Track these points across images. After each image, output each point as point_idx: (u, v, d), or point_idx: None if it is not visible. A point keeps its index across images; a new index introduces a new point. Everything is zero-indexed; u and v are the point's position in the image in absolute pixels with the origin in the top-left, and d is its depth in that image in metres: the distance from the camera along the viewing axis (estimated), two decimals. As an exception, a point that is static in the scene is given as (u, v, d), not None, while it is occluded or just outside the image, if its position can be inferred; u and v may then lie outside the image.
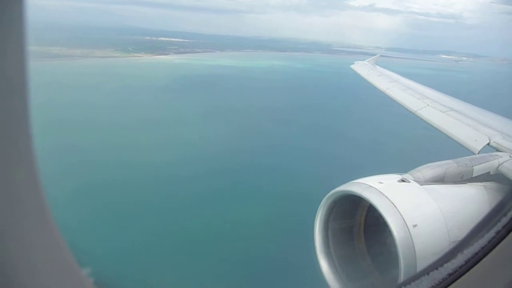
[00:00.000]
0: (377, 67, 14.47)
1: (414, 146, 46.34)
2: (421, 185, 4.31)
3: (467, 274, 1.88)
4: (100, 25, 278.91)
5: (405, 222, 3.74)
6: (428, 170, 4.59)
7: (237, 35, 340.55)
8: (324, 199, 4.34)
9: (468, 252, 1.90)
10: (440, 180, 4.60)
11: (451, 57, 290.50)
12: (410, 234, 3.71)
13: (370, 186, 4.02)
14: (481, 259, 1.86)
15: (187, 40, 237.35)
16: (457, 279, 1.89)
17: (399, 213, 3.78)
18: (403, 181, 4.31)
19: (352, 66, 15.03)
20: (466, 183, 4.77)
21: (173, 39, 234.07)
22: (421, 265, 3.57)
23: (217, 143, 55.28)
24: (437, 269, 1.96)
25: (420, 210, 4.01)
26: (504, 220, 1.88)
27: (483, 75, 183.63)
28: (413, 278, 2.02)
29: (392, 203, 3.84)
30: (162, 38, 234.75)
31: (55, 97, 73.05)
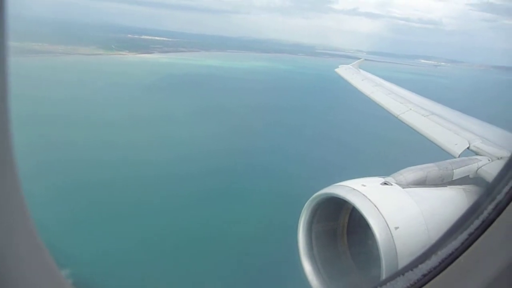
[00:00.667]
0: (361, 71, 14.77)
1: (396, 150, 47.09)
2: (403, 188, 4.40)
3: (441, 274, 1.95)
4: (83, 21, 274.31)
5: (387, 224, 3.81)
6: (410, 173, 4.68)
7: (222, 35, 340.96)
8: (307, 202, 4.39)
9: (443, 253, 1.98)
10: (422, 183, 4.71)
11: (430, 62, 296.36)
12: (392, 236, 3.78)
13: (354, 189, 4.10)
14: (455, 259, 1.94)
15: (171, 39, 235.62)
16: (431, 279, 1.97)
17: (382, 215, 3.85)
18: (385, 184, 4.39)
19: (336, 70, 15.30)
20: (446, 186, 4.89)
21: (157, 38, 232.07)
22: (402, 266, 3.36)
23: (205, 143, 55.71)
24: (412, 270, 2.02)
25: (402, 212, 4.09)
26: (477, 223, 1.95)
27: (462, 80, 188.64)
28: (389, 279, 2.10)
29: (375, 206, 3.91)
30: (145, 37, 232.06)
31: (41, 94, 72.56)
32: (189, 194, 39.98)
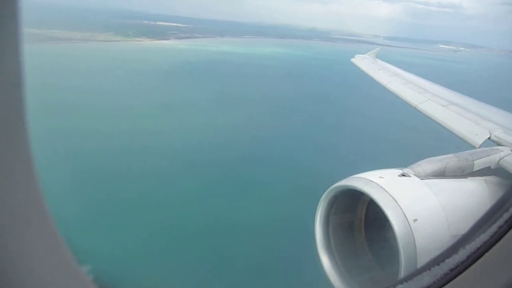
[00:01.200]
0: (378, 60, 14.59)
1: (415, 140, 46.71)
2: (421, 179, 4.33)
3: (469, 269, 1.90)
4: (97, 7, 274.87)
5: (406, 217, 3.76)
6: (429, 164, 4.61)
7: (236, 21, 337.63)
8: (324, 194, 4.35)
9: (470, 247, 1.93)
10: (441, 174, 4.62)
11: (449, 47, 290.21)
12: (411, 229, 3.73)
13: (371, 181, 4.05)
14: (483, 254, 1.89)
15: (186, 25, 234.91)
16: (458, 274, 1.92)
17: (400, 207, 3.80)
18: (403, 175, 4.32)
19: (352, 60, 15.11)
20: (466, 178, 4.78)
21: (171, 24, 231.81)
22: (421, 259, 3.66)
23: (226, 130, 55.66)
24: (438, 264, 1.99)
25: (421, 204, 4.02)
26: (506, 215, 1.90)
27: (482, 66, 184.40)
28: (415, 273, 2.08)
29: (393, 198, 3.86)
30: (160, 23, 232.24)
31: (65, 83, 73.41)
32: (209, 183, 39.88)
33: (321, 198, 4.36)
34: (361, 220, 4.62)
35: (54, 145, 45.65)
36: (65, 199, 33.56)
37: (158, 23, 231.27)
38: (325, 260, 4.46)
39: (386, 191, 3.91)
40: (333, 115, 70.50)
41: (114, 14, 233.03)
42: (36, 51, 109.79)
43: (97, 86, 75.64)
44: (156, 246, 30.61)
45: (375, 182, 4.01)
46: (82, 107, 61.75)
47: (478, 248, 1.89)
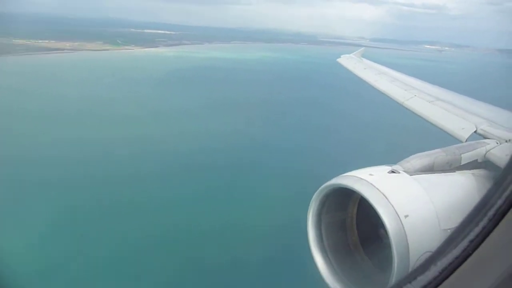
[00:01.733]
0: (364, 59, 14.61)
1: (402, 137, 47.48)
2: (411, 175, 4.39)
3: (461, 267, 1.94)
4: (84, 17, 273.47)
5: (397, 213, 3.81)
6: (417, 160, 4.67)
7: (223, 27, 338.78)
8: (316, 193, 4.37)
9: (457, 250, 1.96)
10: (429, 169, 4.70)
11: (434, 47, 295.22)
12: (402, 225, 3.78)
13: (361, 179, 4.10)
14: (473, 251, 1.92)
15: (174, 32, 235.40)
16: (449, 275, 1.95)
17: (391, 204, 3.85)
18: (393, 172, 4.38)
19: (338, 60, 15.16)
20: (454, 171, 4.86)
21: (159, 31, 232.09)
22: (413, 254, 3.73)
23: (220, 136, 56.05)
24: (428, 268, 2.00)
25: (411, 200, 4.06)
26: (490, 214, 1.93)
27: (468, 65, 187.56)
28: (408, 277, 2.10)
29: (383, 195, 3.90)
30: (148, 30, 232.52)
31: (61, 92, 73.32)
32: (204, 188, 40.36)
33: (313, 198, 4.36)
34: (353, 218, 4.64)
35: (51, 152, 45.97)
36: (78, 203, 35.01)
37: (145, 30, 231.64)
38: (318, 259, 4.48)
39: (377, 188, 3.94)
40: (326, 116, 71.34)
41: (101, 23, 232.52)
42: (27, 62, 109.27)
43: (92, 95, 75.96)
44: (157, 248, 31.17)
45: (365, 180, 4.05)
46: (78, 115, 62.14)
47: (467, 246, 1.92)
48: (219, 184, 41.32)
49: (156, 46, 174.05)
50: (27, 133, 52.62)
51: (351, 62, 14.37)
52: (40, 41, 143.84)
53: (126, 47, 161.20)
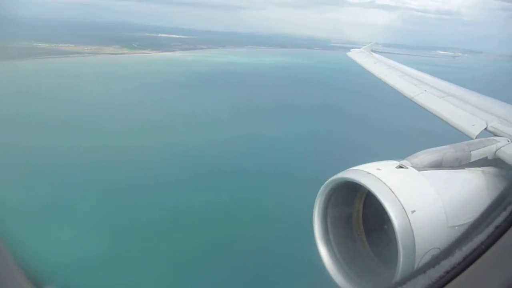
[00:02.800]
0: (374, 54, 14.52)
1: (411, 132, 47.62)
2: (419, 171, 4.33)
3: (466, 271, 1.87)
4: (97, 21, 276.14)
5: (404, 208, 3.76)
6: (426, 155, 4.61)
7: (236, 31, 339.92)
8: (322, 187, 4.37)
9: (467, 249, 1.90)
10: (438, 165, 4.61)
11: (447, 53, 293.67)
12: (409, 220, 3.73)
13: (368, 173, 4.06)
14: (480, 255, 1.86)
15: (188, 37, 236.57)
16: (455, 277, 1.89)
17: (398, 199, 3.80)
18: (401, 167, 4.32)
19: (348, 54, 15.18)
20: (464, 168, 4.79)
21: (173, 36, 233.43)
22: (419, 251, 3.67)
23: (253, 141, 56.46)
24: (434, 267, 1.95)
25: (419, 196, 4.03)
26: (504, 215, 1.87)
27: (482, 71, 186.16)
28: (410, 277, 2.05)
29: (391, 190, 3.86)
30: (162, 35, 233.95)
31: (89, 97, 74.12)
32: (228, 194, 40.69)
33: (319, 192, 4.39)
34: (359, 212, 4.64)
35: (77, 157, 46.57)
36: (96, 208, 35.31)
37: (160, 35, 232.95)
38: (323, 253, 4.48)
39: (384, 183, 3.91)
40: (351, 122, 71.16)
41: (115, 27, 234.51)
42: (51, 65, 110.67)
43: (119, 99, 76.80)
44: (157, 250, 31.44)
45: (372, 174, 4.02)
46: (105, 120, 62.77)
47: (475, 249, 1.86)
48: (241, 190, 41.51)
49: (172, 50, 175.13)
50: (67, 137, 53.52)
51: (361, 56, 14.33)
52: (59, 45, 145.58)
53: (143, 51, 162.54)
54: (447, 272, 1.88)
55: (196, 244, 32.25)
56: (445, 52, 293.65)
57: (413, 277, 1.96)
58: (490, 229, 1.85)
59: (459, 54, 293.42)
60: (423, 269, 1.98)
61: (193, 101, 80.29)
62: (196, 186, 41.99)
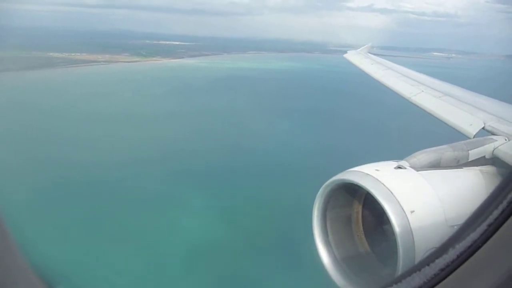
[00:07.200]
0: (370, 55, 14.62)
1: (409, 133, 48.40)
2: (417, 171, 4.34)
3: (460, 268, 1.88)
4: (95, 30, 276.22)
5: (403, 209, 3.79)
6: (424, 155, 4.62)
7: (233, 37, 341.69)
8: (321, 189, 4.38)
9: (460, 246, 1.89)
10: (436, 165, 4.63)
11: (442, 54, 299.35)
12: (408, 221, 3.75)
13: (367, 174, 4.07)
14: (473, 253, 1.86)
15: (191, 43, 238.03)
16: (449, 274, 1.89)
17: (397, 200, 3.82)
18: (399, 167, 4.34)
19: (345, 55, 15.21)
20: (462, 168, 4.80)
21: (175, 43, 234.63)
22: (419, 251, 3.68)
23: (284, 144, 58.01)
24: (428, 265, 1.94)
25: (418, 196, 4.05)
26: (496, 213, 1.85)
27: (476, 71, 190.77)
28: (405, 275, 2.04)
29: (389, 190, 3.87)
30: (163, 42, 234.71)
31: (134, 104, 77.32)
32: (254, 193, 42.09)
33: (318, 193, 4.41)
34: (359, 214, 4.65)
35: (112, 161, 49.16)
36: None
37: (160, 42, 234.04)
38: (323, 255, 4.51)
39: (383, 184, 3.94)
40: (353, 124, 72.77)
41: (113, 35, 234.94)
42: (75, 74, 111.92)
43: (147, 106, 78.82)
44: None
45: (371, 175, 4.06)
46: (168, 126, 65.02)
47: (469, 247, 1.87)
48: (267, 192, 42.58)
49: (181, 57, 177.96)
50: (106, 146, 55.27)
51: (358, 57, 14.45)
52: (72, 54, 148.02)
53: (153, 58, 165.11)
54: (442, 269, 1.90)
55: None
56: (440, 54, 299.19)
57: (408, 275, 1.99)
58: (483, 227, 1.85)
59: (453, 55, 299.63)
60: (418, 267, 2.00)
61: (234, 105, 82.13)
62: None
